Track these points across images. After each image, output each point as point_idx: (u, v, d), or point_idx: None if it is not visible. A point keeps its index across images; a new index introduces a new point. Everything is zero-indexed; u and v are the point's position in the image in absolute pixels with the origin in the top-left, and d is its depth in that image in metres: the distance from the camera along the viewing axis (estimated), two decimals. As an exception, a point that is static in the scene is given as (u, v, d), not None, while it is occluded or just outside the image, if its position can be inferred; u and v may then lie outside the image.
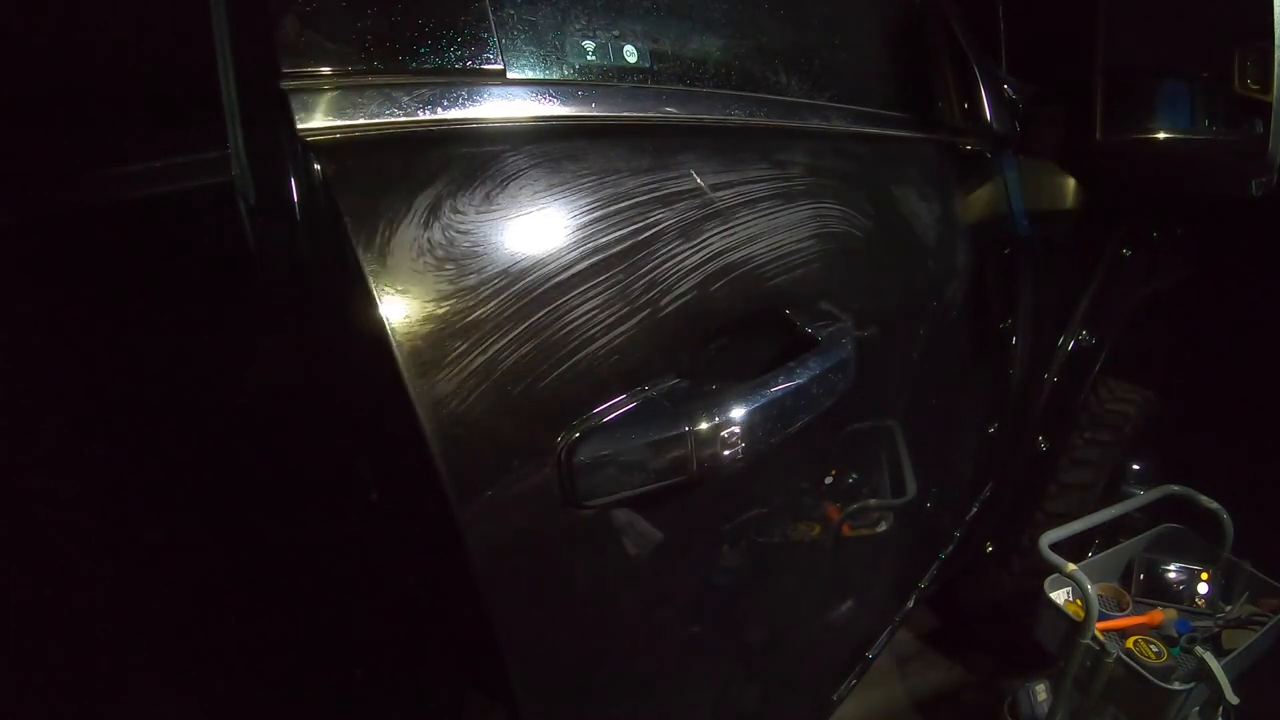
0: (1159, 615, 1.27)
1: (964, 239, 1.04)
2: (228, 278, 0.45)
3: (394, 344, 0.45)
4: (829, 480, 0.86)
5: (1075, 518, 1.29)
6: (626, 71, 0.63)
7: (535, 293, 0.51)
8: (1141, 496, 1.35)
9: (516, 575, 0.54)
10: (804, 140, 0.77)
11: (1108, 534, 1.49)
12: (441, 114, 0.48)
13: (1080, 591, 1.15)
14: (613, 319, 0.56)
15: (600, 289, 0.55)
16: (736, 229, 0.66)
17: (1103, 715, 1.22)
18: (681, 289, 0.60)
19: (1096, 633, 1.16)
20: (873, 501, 0.94)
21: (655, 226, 0.60)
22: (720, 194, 0.65)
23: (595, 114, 0.57)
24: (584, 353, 0.54)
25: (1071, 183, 1.39)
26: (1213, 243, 1.51)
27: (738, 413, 0.58)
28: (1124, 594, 1.33)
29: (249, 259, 0.44)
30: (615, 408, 0.55)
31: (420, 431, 0.46)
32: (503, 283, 0.50)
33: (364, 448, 0.49)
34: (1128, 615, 1.29)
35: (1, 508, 0.44)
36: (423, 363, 0.46)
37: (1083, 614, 1.16)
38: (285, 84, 0.43)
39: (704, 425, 0.55)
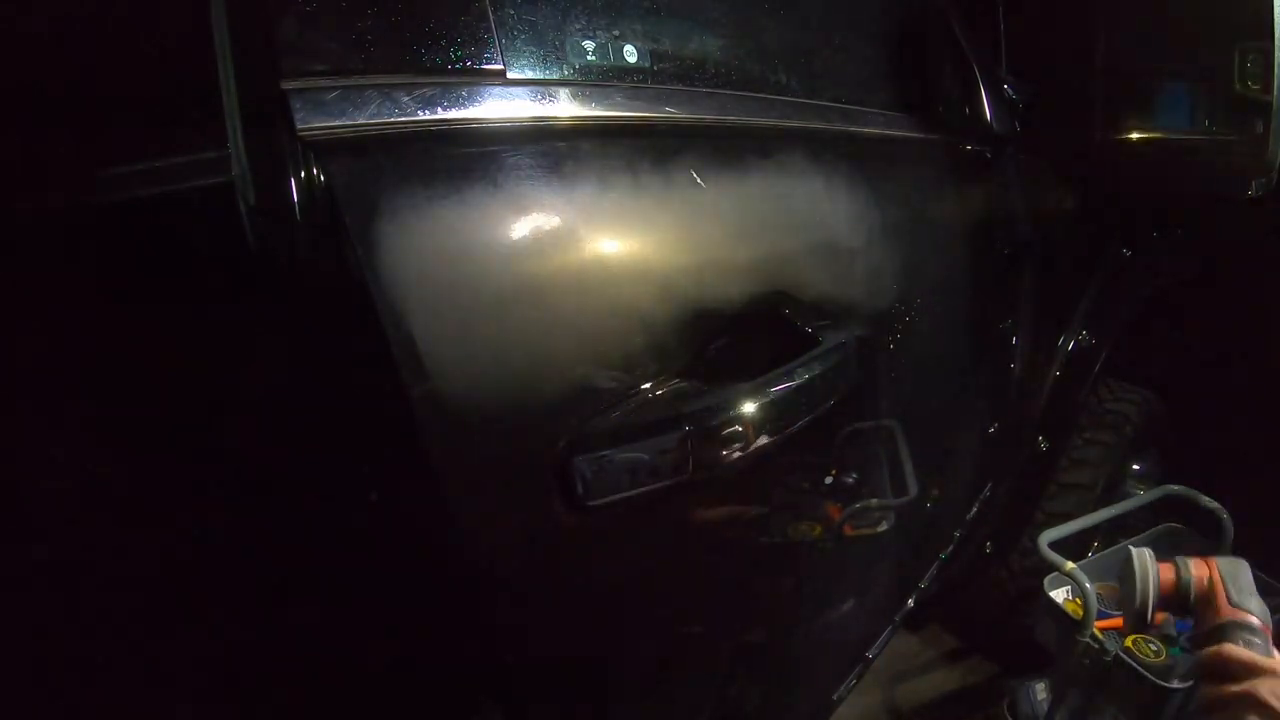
0: (1159, 614, 1.27)
1: (964, 239, 1.05)
2: (228, 278, 0.45)
3: (393, 344, 0.45)
4: (829, 480, 0.86)
5: (1075, 518, 1.29)
6: (626, 71, 0.62)
7: (535, 293, 0.51)
8: (1141, 496, 1.35)
9: (516, 576, 0.54)
10: (804, 140, 0.77)
11: (1108, 534, 1.49)
12: (441, 114, 0.48)
13: (1079, 590, 1.15)
14: (613, 319, 0.56)
15: (600, 289, 0.55)
16: (736, 229, 0.66)
17: (1102, 714, 1.22)
18: (682, 289, 0.60)
19: (1095, 631, 1.16)
20: (873, 501, 0.94)
21: (655, 227, 0.60)
22: (720, 194, 0.65)
23: (595, 114, 0.57)
24: (584, 353, 0.54)
25: (1071, 183, 1.39)
26: (1213, 242, 1.51)
27: (738, 413, 0.58)
28: (1124, 593, 1.33)
29: (249, 259, 0.44)
30: (616, 408, 0.55)
31: (420, 432, 0.46)
32: (502, 283, 0.50)
33: (364, 448, 0.49)
34: (1128, 614, 1.28)
35: (1, 507, 0.44)
36: (422, 363, 0.46)
37: (1082, 613, 1.16)
38: (285, 84, 0.43)
39: (704, 425, 0.55)
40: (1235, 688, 0.65)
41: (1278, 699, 0.63)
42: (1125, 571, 0.80)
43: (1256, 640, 0.68)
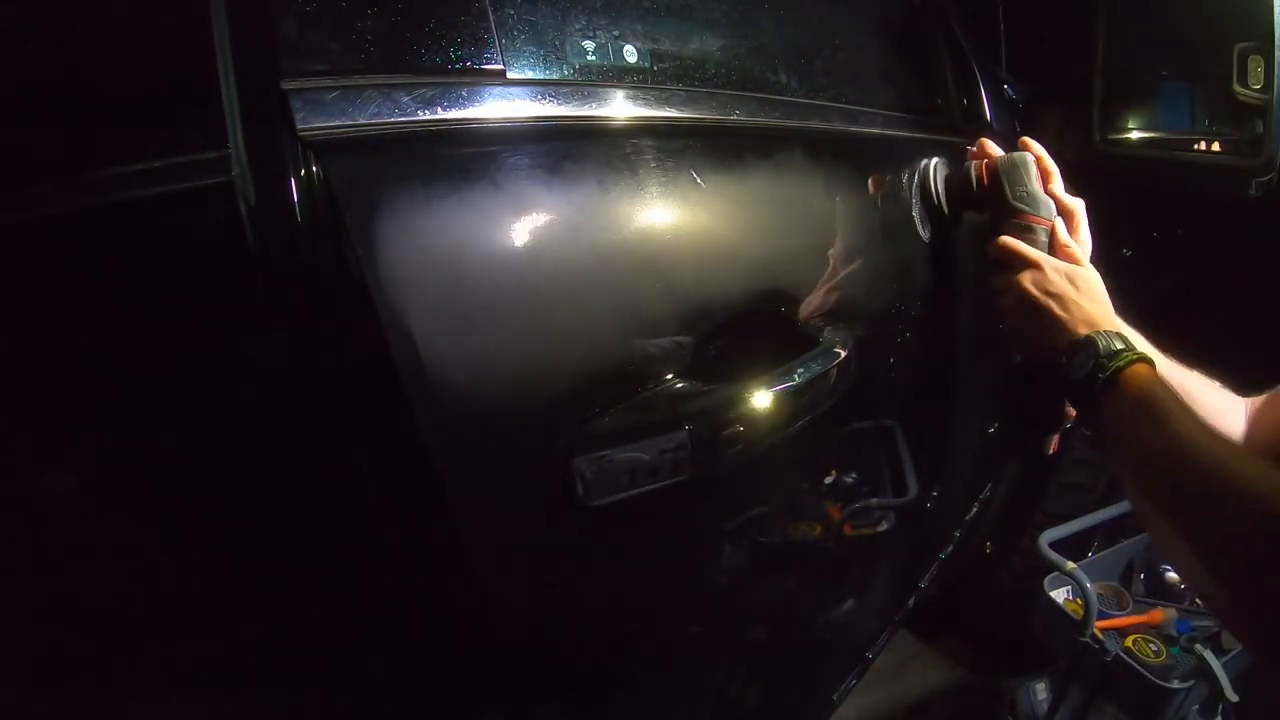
0: (1159, 614, 1.27)
1: (963, 239, 1.05)
2: (228, 278, 0.45)
3: (393, 344, 0.45)
4: (829, 480, 0.86)
5: (1075, 518, 1.29)
6: (626, 71, 0.63)
7: (535, 293, 0.51)
8: (1141, 496, 1.35)
9: (516, 576, 0.54)
10: (804, 140, 0.77)
11: (1108, 534, 1.49)
12: (441, 114, 0.48)
13: (1080, 590, 1.15)
14: (613, 319, 0.56)
15: (600, 289, 0.55)
16: (736, 229, 0.66)
17: (1102, 714, 1.22)
18: (681, 289, 0.60)
19: (1096, 631, 1.16)
20: (873, 501, 0.94)
21: (655, 227, 0.60)
22: (720, 194, 0.65)
23: (595, 114, 0.57)
24: (584, 353, 0.54)
25: (1070, 183, 1.39)
26: (1213, 242, 1.51)
27: (738, 413, 0.58)
28: (1124, 593, 1.33)
29: (249, 259, 0.44)
30: (616, 408, 0.55)
31: (420, 432, 0.46)
32: (502, 283, 0.50)
33: (364, 448, 0.49)
34: (1127, 614, 1.29)
35: (2, 508, 0.44)
36: (423, 362, 0.46)
37: (1082, 613, 1.16)
38: (285, 84, 0.43)
39: (704, 425, 0.55)
40: (1006, 277, 0.74)
41: (1037, 287, 0.70)
42: (915, 173, 0.85)
43: (1033, 234, 0.75)
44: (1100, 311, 0.69)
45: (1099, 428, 0.63)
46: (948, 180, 0.86)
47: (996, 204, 0.78)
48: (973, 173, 0.81)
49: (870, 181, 0.83)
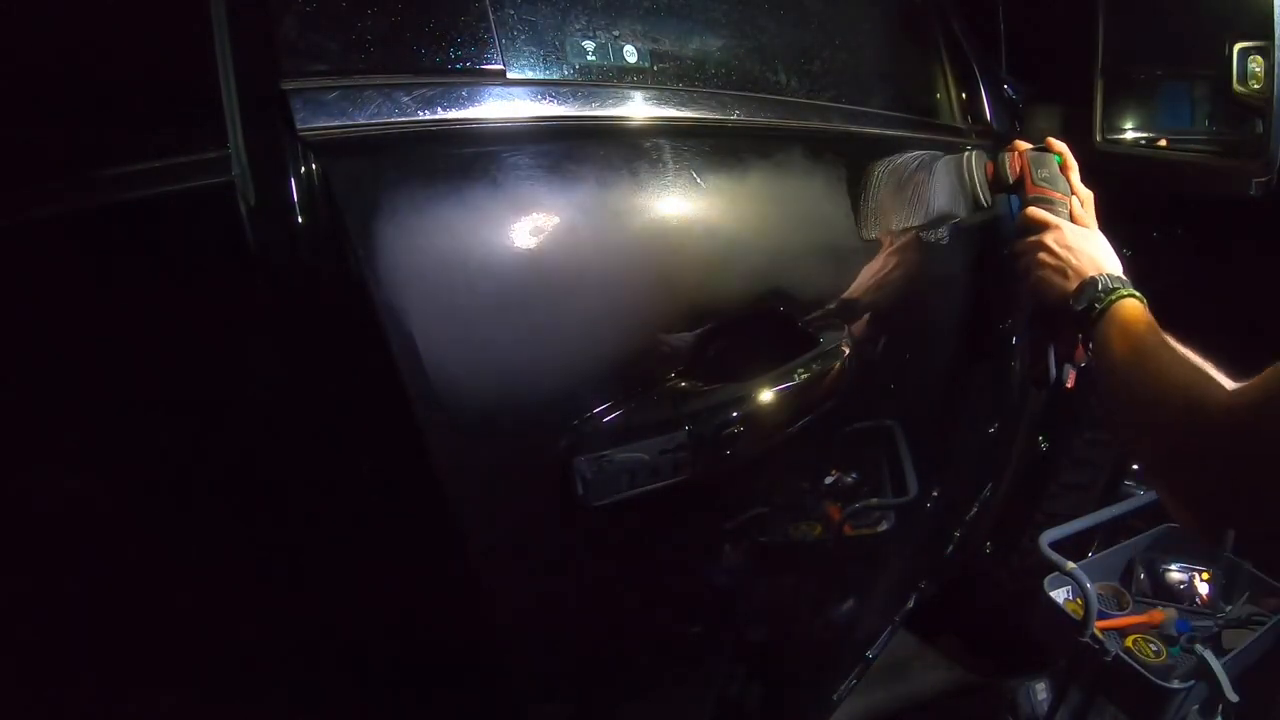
0: (1159, 614, 1.27)
1: (963, 239, 1.05)
2: (228, 278, 0.45)
3: (393, 344, 0.45)
4: (830, 480, 0.86)
5: (1075, 518, 1.29)
6: (626, 71, 0.63)
7: (535, 293, 0.51)
8: (1141, 496, 1.35)
9: (516, 576, 0.54)
10: (804, 140, 0.77)
11: (1108, 534, 1.49)
12: (441, 114, 0.48)
13: (1080, 590, 1.15)
14: (613, 319, 0.56)
15: (600, 289, 0.55)
16: (736, 229, 0.66)
17: (1102, 714, 1.22)
18: (681, 289, 0.60)
19: (1096, 631, 1.16)
20: (873, 501, 0.94)
21: (655, 226, 0.60)
22: (720, 194, 0.65)
23: (595, 114, 0.57)
24: (585, 353, 0.54)
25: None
26: (1213, 243, 1.51)
27: (738, 412, 0.58)
28: (1124, 593, 1.33)
29: (249, 259, 0.44)
30: (616, 408, 0.55)
31: (420, 432, 0.46)
32: (502, 283, 0.50)
33: (364, 448, 0.49)
34: (1127, 614, 1.28)
35: (2, 507, 0.44)
36: (423, 363, 0.46)
37: (1082, 613, 1.16)
38: (285, 84, 0.43)
39: (704, 425, 0.55)
40: (1031, 239, 0.88)
41: (1057, 244, 0.85)
42: (957, 167, 1.01)
43: (1053, 207, 0.91)
44: (1107, 261, 0.83)
45: (1094, 351, 0.75)
46: (986, 169, 1.02)
47: (1023, 186, 0.95)
48: (1007, 161, 0.98)
49: (889, 171, 0.90)
